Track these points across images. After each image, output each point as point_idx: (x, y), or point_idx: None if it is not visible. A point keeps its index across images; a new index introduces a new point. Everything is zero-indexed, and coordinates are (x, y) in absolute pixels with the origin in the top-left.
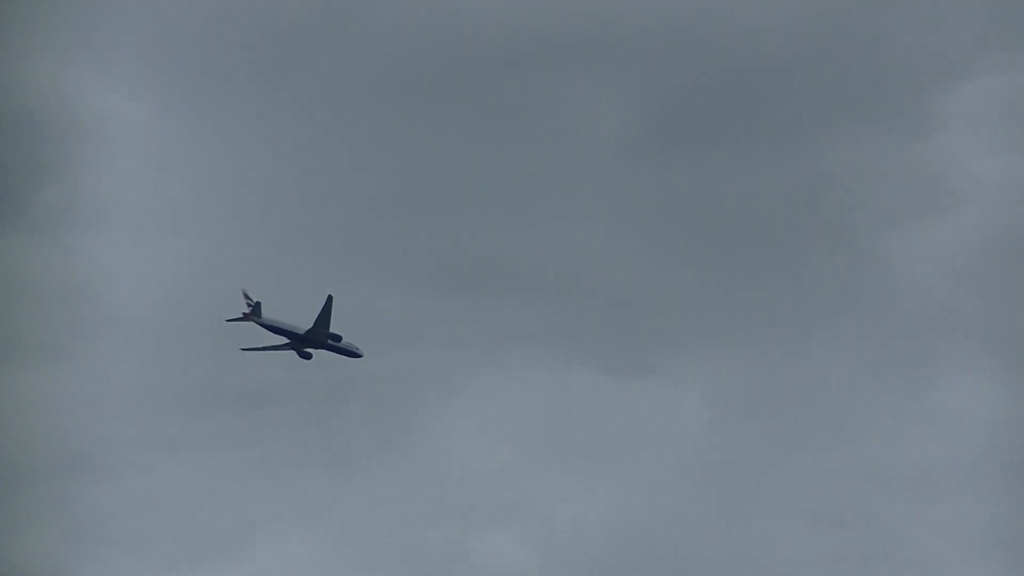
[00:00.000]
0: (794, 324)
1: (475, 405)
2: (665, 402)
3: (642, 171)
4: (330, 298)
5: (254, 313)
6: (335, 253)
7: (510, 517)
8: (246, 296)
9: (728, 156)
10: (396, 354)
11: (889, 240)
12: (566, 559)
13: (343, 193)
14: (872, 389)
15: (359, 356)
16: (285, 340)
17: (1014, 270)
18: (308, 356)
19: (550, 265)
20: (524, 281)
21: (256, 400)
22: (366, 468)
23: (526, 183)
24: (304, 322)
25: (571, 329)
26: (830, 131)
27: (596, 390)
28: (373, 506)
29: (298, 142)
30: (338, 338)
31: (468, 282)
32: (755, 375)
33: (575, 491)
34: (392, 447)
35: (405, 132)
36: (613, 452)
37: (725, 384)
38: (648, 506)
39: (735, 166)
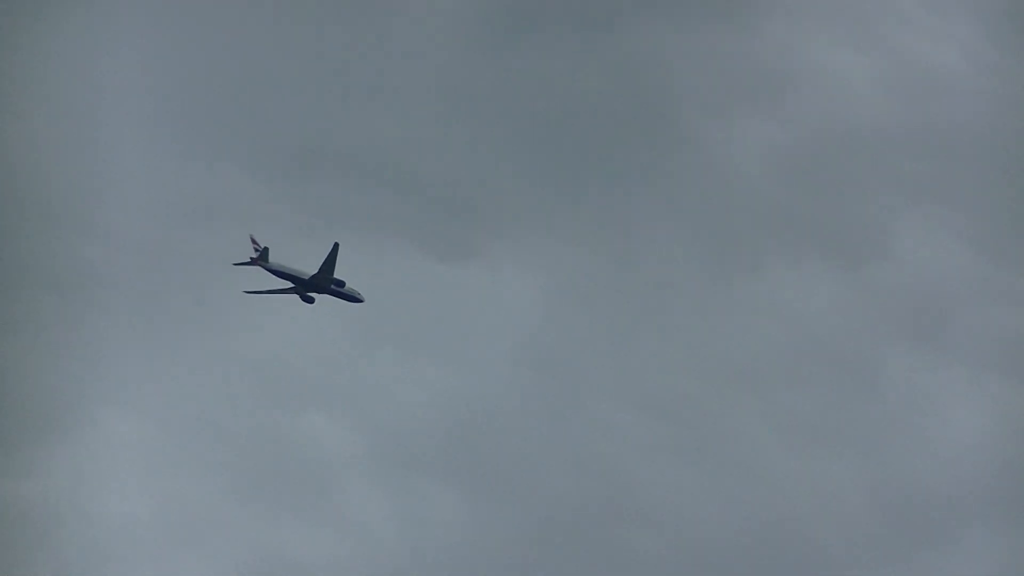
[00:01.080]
0: (624, 215)
1: None
2: (495, 289)
3: (472, 56)
4: (336, 245)
5: (261, 258)
6: (167, 132)
7: (334, 401)
8: (253, 242)
9: (558, 42)
10: (216, 232)
11: (719, 132)
12: (390, 444)
13: (174, 76)
14: (700, 281)
15: (360, 301)
16: (290, 284)
17: (842, 165)
18: (311, 300)
19: (377, 150)
20: (351, 165)
21: (75, 283)
22: (186, 350)
23: (352, 68)
24: (309, 267)
25: (398, 214)
26: (662, 19)
27: (425, 275)
28: (195, 388)
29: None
30: (341, 283)
31: (293, 167)
32: (585, 265)
33: (401, 376)
34: (213, 329)
35: (231, 16)
36: (441, 338)
37: (556, 273)
38: (476, 393)
39: (565, 52)
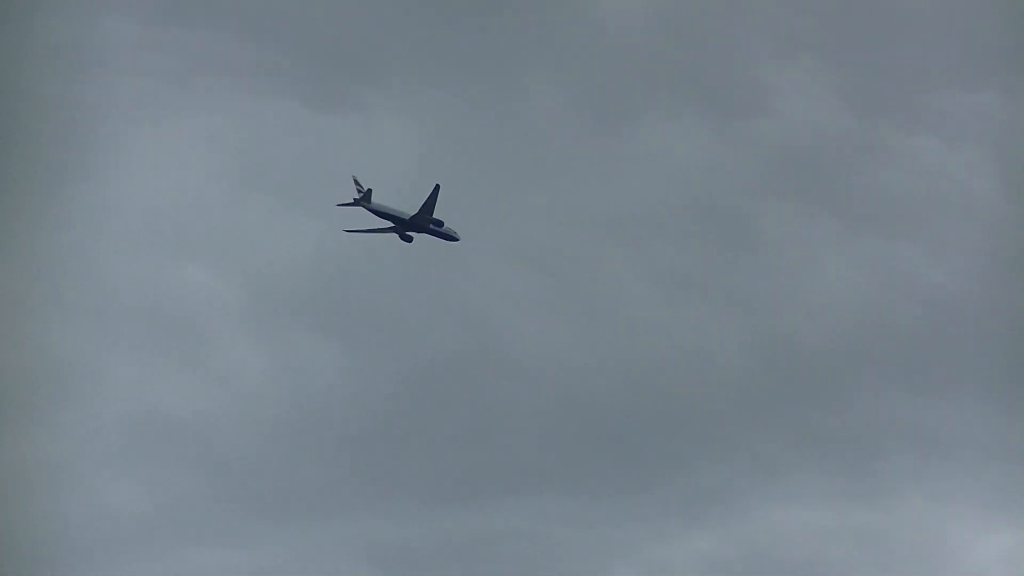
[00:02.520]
0: (503, 65)
1: (170, 135)
2: (370, 138)
3: None
4: (437, 187)
5: (364, 199)
6: None
7: (206, 249)
8: (356, 183)
9: None
10: (89, 80)
11: None
12: (264, 295)
13: None
14: (578, 133)
15: (456, 240)
16: (390, 224)
17: (722, 19)
18: (409, 239)
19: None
20: (228, 13)
21: None
22: (58, 199)
23: None
24: (409, 207)
25: (269, 60)
26: None
27: (297, 123)
28: (68, 237)
29: None
30: (440, 223)
31: (162, 10)
32: (463, 115)
33: (273, 225)
34: (84, 177)
35: None
36: (313, 186)
37: (432, 122)
38: (351, 244)
39: None
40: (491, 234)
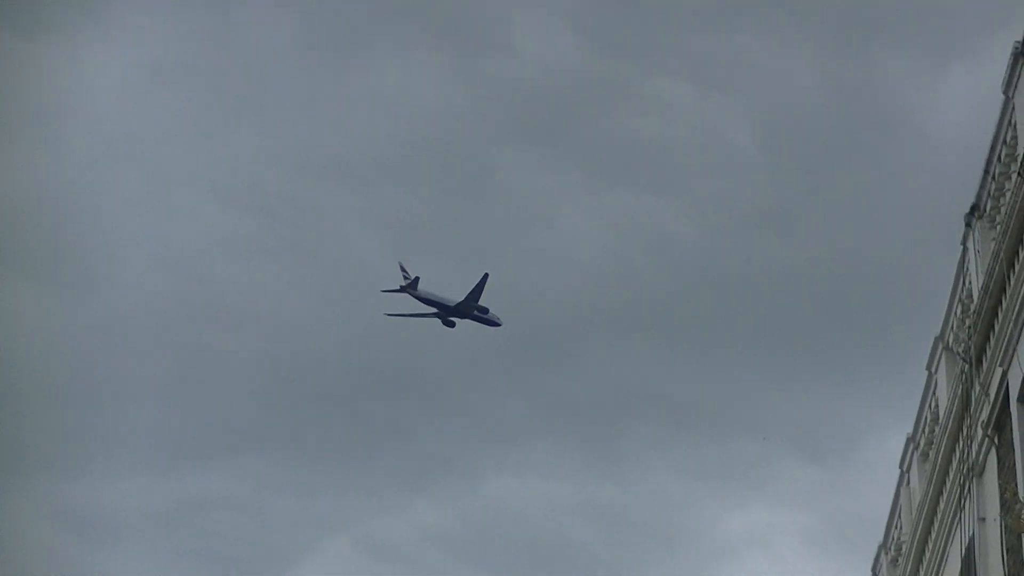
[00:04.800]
0: None
1: None
2: (73, 67)
3: None
4: (486, 275)
5: (411, 286)
6: None
7: None
8: (403, 269)
9: None
10: None
11: None
12: None
13: None
14: (299, 66)
15: (499, 325)
16: (434, 310)
17: None
18: (452, 324)
19: None
20: None
21: None
22: None
23: None
24: (454, 295)
25: None
26: None
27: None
28: None
29: None
30: (485, 310)
31: None
32: (171, 43)
33: None
34: None
35: None
36: (20, 122)
37: (143, 51)
38: (53, 179)
39: None
40: (202, 174)
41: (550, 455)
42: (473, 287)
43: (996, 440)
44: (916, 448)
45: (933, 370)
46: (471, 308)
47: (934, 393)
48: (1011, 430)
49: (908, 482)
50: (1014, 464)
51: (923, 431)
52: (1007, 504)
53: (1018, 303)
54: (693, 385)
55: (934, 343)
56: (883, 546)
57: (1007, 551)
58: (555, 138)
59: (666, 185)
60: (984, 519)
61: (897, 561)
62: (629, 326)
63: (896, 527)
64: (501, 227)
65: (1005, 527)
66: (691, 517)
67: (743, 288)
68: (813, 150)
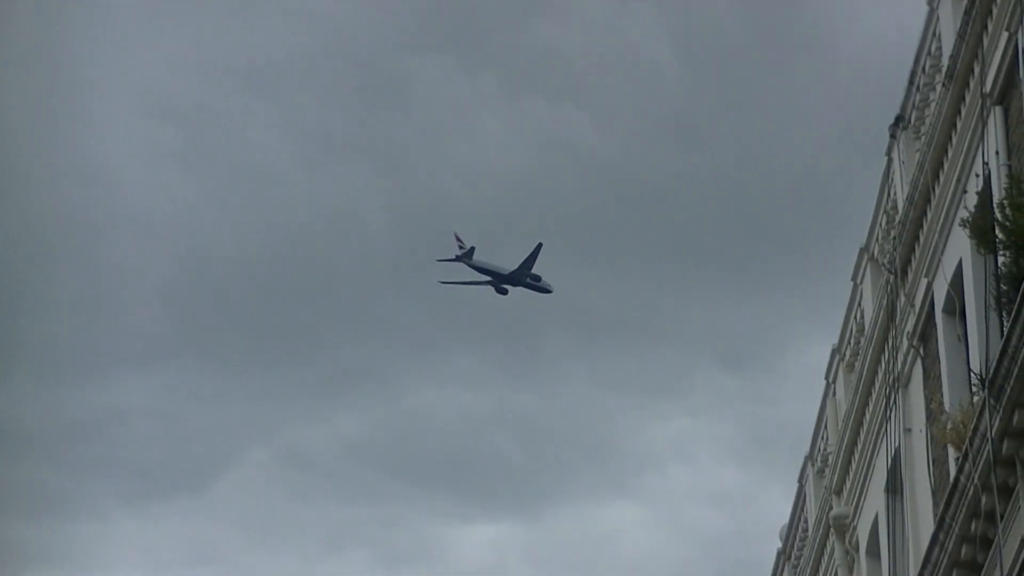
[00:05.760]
0: None
1: None
2: None
3: None
4: (539, 245)
5: (466, 255)
6: None
7: None
8: (458, 239)
9: None
10: None
11: None
12: None
13: None
14: None
15: (551, 292)
16: (487, 278)
17: None
18: (505, 292)
19: None
20: None
21: None
22: None
23: None
24: (507, 263)
25: None
26: None
27: None
28: None
29: None
30: (538, 278)
31: None
32: None
33: None
34: None
35: None
36: None
37: None
38: None
39: None
40: (117, 82)
41: (470, 365)
42: (526, 256)
43: (922, 351)
44: (842, 359)
45: (859, 281)
46: (524, 276)
47: (859, 304)
48: (936, 341)
49: (834, 393)
50: (939, 375)
51: (849, 342)
52: (933, 415)
53: (942, 215)
54: (613, 296)
55: (859, 254)
56: (809, 457)
57: (933, 462)
58: (471, 46)
59: (583, 95)
60: (910, 430)
61: (824, 472)
62: (547, 236)
63: (822, 438)
64: (417, 135)
65: (931, 438)
66: (612, 428)
67: (664, 199)
68: (735, 61)
